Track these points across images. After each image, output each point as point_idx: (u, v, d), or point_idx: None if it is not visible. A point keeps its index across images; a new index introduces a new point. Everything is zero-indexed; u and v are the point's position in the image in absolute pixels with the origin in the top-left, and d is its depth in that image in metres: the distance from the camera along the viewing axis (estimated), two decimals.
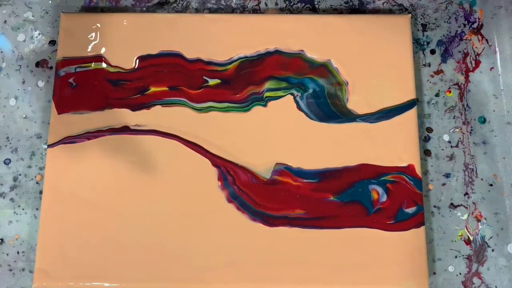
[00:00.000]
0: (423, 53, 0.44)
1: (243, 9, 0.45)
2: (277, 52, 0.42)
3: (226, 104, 0.41)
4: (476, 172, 0.41)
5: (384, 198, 0.39)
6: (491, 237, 0.40)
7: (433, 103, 0.43)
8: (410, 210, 0.39)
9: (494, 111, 0.43)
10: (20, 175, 0.42)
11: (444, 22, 0.45)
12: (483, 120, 0.42)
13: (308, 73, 0.41)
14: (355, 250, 0.38)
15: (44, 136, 0.42)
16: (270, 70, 0.41)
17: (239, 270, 0.38)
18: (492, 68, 0.43)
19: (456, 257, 0.40)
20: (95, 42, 0.42)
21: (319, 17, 0.43)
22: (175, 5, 0.45)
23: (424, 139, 0.42)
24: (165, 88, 0.41)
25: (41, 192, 0.41)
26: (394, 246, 0.38)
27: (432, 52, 0.44)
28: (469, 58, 0.44)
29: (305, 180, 0.39)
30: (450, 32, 0.44)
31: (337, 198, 0.39)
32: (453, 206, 0.41)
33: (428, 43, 0.44)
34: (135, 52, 0.42)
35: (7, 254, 0.40)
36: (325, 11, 0.45)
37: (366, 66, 0.41)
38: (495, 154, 0.42)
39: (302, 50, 0.42)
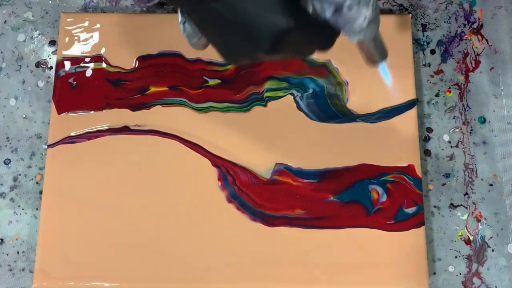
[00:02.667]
0: (423, 53, 0.44)
1: None
2: None
3: (226, 104, 0.41)
4: (476, 172, 0.41)
5: (384, 198, 0.39)
6: (491, 237, 0.40)
7: (433, 103, 0.43)
8: (410, 210, 0.39)
9: (494, 111, 0.43)
10: (20, 175, 0.42)
11: (444, 22, 0.45)
12: (483, 120, 0.42)
13: (308, 73, 0.41)
14: (355, 250, 0.38)
15: (44, 136, 0.42)
16: (270, 70, 0.41)
17: (239, 270, 0.38)
18: (492, 68, 0.43)
19: (456, 257, 0.40)
20: (95, 42, 0.42)
21: None
22: None
23: (424, 139, 0.42)
24: (165, 88, 0.41)
25: (41, 192, 0.41)
26: (394, 246, 0.38)
27: (432, 52, 0.44)
28: (469, 58, 0.44)
29: (305, 180, 0.39)
30: (450, 32, 0.44)
31: (337, 198, 0.39)
32: (453, 206, 0.41)
33: (428, 43, 0.44)
34: (135, 52, 0.42)
35: (7, 254, 0.40)
36: None
37: (366, 66, 0.41)
38: (495, 154, 0.42)
39: None
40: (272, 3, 0.24)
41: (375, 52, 0.31)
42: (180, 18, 0.29)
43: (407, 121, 0.40)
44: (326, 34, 0.28)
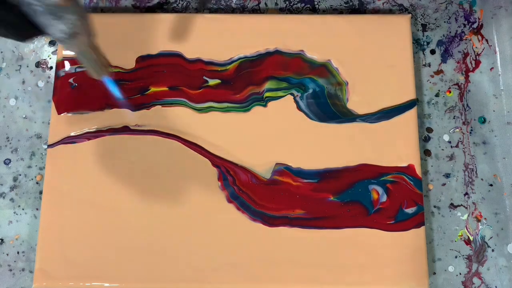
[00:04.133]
0: (423, 53, 0.44)
1: (243, 9, 0.45)
2: (277, 52, 0.42)
3: (226, 104, 0.41)
4: (476, 172, 0.41)
5: (384, 198, 0.39)
6: (491, 237, 0.40)
7: (433, 103, 0.43)
8: (410, 210, 0.39)
9: (494, 111, 0.43)
10: (20, 175, 0.42)
11: (444, 22, 0.45)
12: (483, 120, 0.42)
13: (308, 73, 0.41)
14: (355, 250, 0.38)
15: (44, 136, 0.42)
16: (270, 70, 0.41)
17: (239, 270, 0.38)
18: (492, 68, 0.43)
19: (456, 257, 0.40)
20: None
21: (319, 17, 0.43)
22: (175, 5, 0.45)
23: (424, 139, 0.42)
24: (165, 88, 0.41)
25: (41, 192, 0.41)
26: (394, 246, 0.38)
27: (432, 52, 0.44)
28: (469, 58, 0.44)
29: (305, 180, 0.39)
30: (450, 32, 0.44)
31: (337, 198, 0.39)
32: (453, 206, 0.41)
33: (428, 43, 0.44)
34: (135, 52, 0.42)
35: (7, 254, 0.40)
36: (325, 11, 0.45)
37: (366, 66, 0.41)
38: (495, 154, 0.42)
39: (302, 50, 0.42)
40: None
41: (90, 66, 0.33)
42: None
43: (407, 121, 0.40)
44: (24, 26, 0.29)
